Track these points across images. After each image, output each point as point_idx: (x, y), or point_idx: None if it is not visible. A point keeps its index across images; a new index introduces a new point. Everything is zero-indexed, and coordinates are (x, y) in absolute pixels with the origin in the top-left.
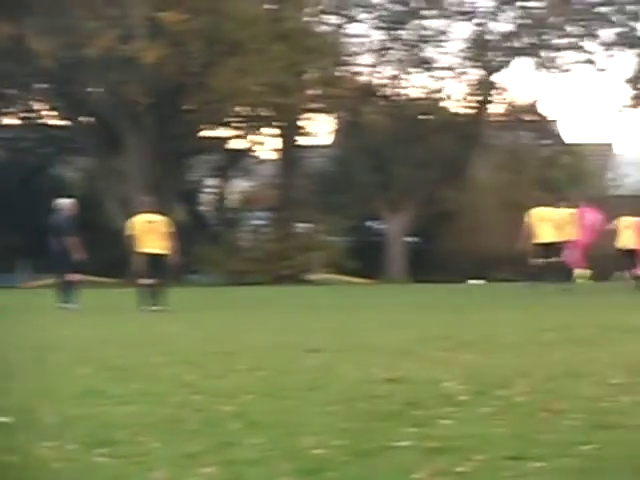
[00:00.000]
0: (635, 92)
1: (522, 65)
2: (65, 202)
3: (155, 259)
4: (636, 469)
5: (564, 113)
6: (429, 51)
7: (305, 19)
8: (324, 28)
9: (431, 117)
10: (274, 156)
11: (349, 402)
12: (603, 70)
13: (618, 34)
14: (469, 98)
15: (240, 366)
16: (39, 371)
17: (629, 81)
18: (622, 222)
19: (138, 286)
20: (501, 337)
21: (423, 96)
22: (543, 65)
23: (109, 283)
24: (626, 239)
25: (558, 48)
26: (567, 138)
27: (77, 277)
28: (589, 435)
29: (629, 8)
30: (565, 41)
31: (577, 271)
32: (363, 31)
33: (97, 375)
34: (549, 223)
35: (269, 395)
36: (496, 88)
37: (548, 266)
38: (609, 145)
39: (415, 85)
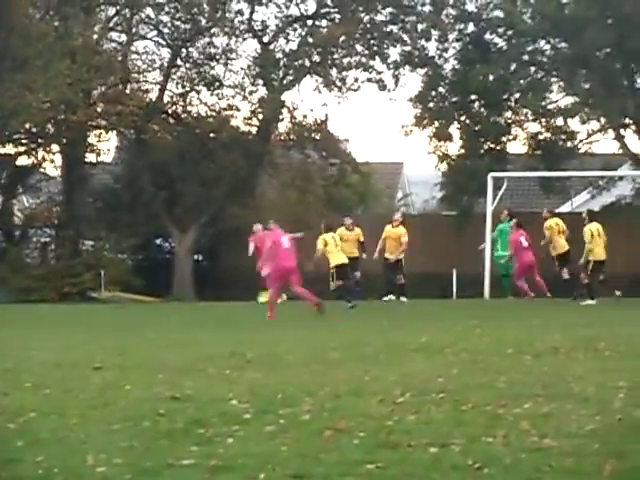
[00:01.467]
0: (419, 112)
1: (311, 83)
2: None
3: None
4: None
5: (354, 132)
6: (217, 69)
7: (93, 36)
8: (112, 45)
9: (219, 135)
10: (61, 173)
11: (133, 420)
12: (392, 89)
13: (408, 53)
14: (258, 116)
15: (24, 383)
16: None
17: (413, 100)
18: None
19: None
20: (287, 355)
21: (211, 114)
22: (332, 84)
23: None
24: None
25: (347, 67)
26: (357, 157)
27: None
28: (373, 454)
29: (420, 27)
30: (354, 60)
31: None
32: (151, 48)
33: None
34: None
35: (53, 413)
36: (285, 106)
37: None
38: (399, 164)
39: (204, 103)
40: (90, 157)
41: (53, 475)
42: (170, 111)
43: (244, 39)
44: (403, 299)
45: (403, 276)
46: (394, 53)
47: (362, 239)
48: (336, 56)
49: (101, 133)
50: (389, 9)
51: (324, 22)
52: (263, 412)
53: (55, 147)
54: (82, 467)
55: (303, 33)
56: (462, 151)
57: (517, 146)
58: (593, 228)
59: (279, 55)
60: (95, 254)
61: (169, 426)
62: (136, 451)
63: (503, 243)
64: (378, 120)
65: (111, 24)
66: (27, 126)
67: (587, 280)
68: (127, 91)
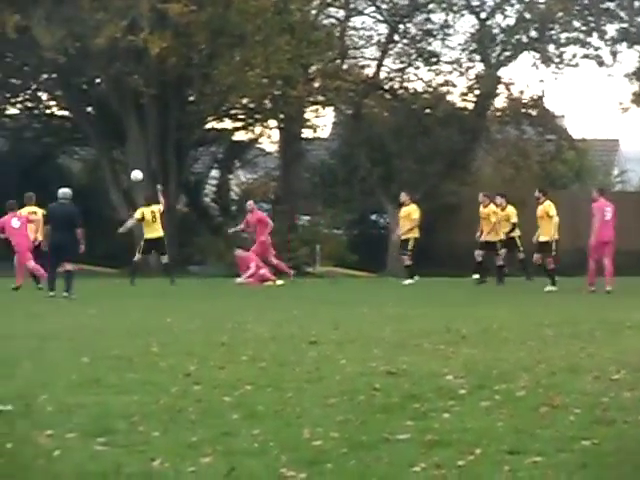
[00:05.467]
0: (636, 89)
1: (528, 59)
2: (68, 192)
3: None
4: (635, 465)
5: (570, 108)
6: (435, 45)
7: (311, 12)
8: (330, 20)
9: (435, 111)
10: (278, 148)
11: (348, 394)
12: (609, 66)
13: (625, 30)
14: (474, 92)
15: (240, 357)
16: (38, 360)
17: (630, 77)
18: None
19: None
20: (501, 331)
21: (428, 90)
22: (549, 60)
23: (109, 273)
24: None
25: (564, 43)
26: (573, 133)
27: (75, 267)
28: (589, 430)
29: (636, 4)
30: (571, 36)
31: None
32: (368, 24)
33: (96, 364)
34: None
35: (269, 386)
36: (501, 82)
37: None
38: (615, 141)
39: (420, 78)
40: (307, 133)
41: (269, 448)
42: (387, 87)
43: (461, 15)
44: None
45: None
46: (611, 30)
47: (514, 220)
48: (553, 32)
49: (318, 109)
50: None
51: None
52: (478, 387)
53: (272, 122)
54: (298, 440)
55: (521, 9)
56: None
57: None
58: None
59: (496, 31)
60: (311, 229)
61: (385, 400)
62: (352, 425)
63: None
64: (595, 96)
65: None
66: (245, 101)
67: None
68: (344, 67)
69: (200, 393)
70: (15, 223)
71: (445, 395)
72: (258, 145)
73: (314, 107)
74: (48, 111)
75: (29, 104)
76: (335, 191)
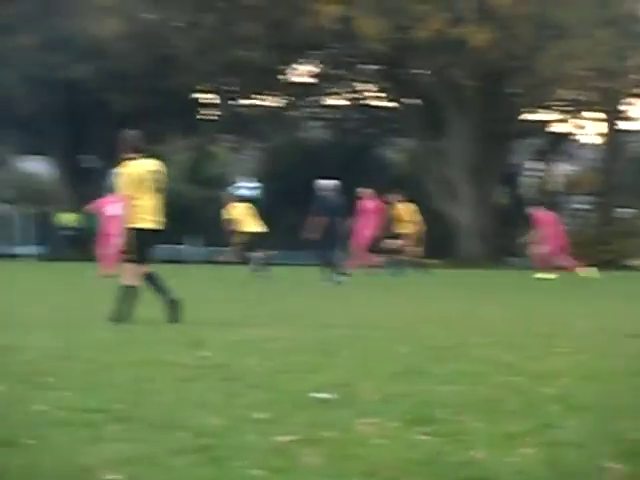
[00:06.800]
0: None
1: None
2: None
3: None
4: None
5: None
6: None
7: (638, 4)
8: None
9: None
10: (596, 140)
11: None
12: None
13: None
14: None
15: (560, 349)
16: (358, 349)
17: None
18: None
19: None
20: None
21: None
22: None
23: (431, 264)
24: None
25: None
26: None
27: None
28: None
29: None
30: None
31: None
32: None
33: (416, 354)
34: None
35: (589, 378)
36: None
37: None
38: None
39: None
40: (626, 125)
41: (590, 441)
42: None
43: None
44: None
45: None
46: None
47: None
48: None
49: (637, 101)
50: None
51: None
52: None
53: (590, 115)
54: (619, 433)
55: None
56: None
57: None
58: None
59: None
60: (630, 222)
61: None
62: None
63: None
64: None
65: None
66: (564, 93)
67: None
68: None
69: (520, 384)
70: None
71: None
72: (574, 137)
73: (633, 99)
74: (366, 102)
75: (350, 95)
76: None
